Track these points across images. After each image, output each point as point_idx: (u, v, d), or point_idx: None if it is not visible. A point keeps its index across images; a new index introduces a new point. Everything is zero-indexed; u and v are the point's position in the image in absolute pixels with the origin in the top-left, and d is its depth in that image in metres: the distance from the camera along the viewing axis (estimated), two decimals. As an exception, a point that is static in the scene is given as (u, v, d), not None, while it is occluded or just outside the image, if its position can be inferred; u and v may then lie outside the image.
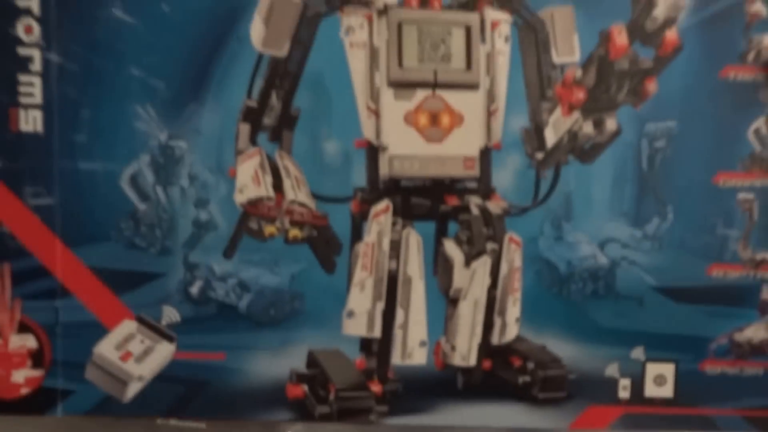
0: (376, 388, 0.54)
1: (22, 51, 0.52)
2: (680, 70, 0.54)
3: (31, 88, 0.52)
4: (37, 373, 0.54)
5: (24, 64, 0.52)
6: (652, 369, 0.56)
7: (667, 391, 0.56)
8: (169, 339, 0.54)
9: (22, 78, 0.52)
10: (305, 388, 0.55)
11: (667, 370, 0.56)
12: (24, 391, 0.54)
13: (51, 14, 0.52)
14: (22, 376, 0.54)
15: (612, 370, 0.56)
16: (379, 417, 0.54)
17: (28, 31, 0.52)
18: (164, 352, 0.54)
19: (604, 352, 0.56)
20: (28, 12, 0.52)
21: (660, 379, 0.56)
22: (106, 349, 0.54)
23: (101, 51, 0.52)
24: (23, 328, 0.54)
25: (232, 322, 0.55)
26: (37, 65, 0.52)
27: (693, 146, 0.55)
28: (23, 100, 0.52)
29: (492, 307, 0.54)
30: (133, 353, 0.54)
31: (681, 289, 0.56)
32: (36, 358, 0.54)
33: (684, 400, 0.56)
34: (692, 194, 0.55)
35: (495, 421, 0.56)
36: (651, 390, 0.56)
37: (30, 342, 0.54)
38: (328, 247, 0.54)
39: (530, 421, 0.56)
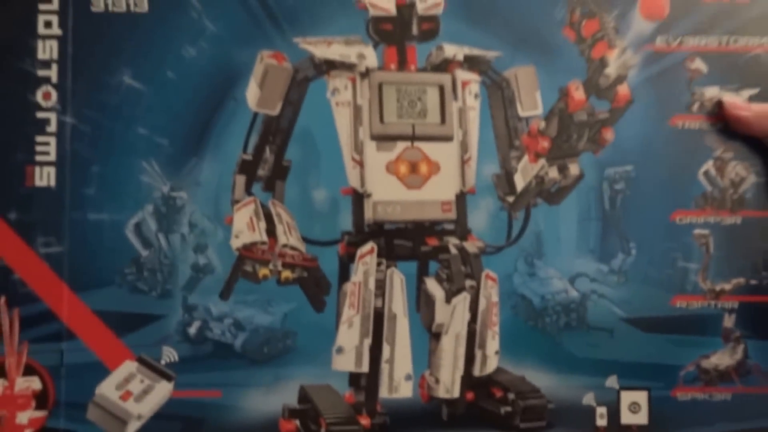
0: (365, 421, 0.57)
1: (40, 115, 0.57)
2: (634, 120, 0.59)
3: (47, 147, 0.57)
4: (40, 414, 0.56)
5: (41, 126, 0.57)
6: (627, 397, 0.59)
7: (642, 418, 0.59)
8: (168, 378, 0.57)
9: (39, 138, 0.57)
10: (297, 423, 0.57)
11: (641, 397, 0.59)
12: (27, 432, 0.56)
13: (67, 82, 0.57)
14: (26, 418, 0.56)
15: (589, 398, 0.58)
16: (368, 449, 0.56)
17: (46, 97, 0.57)
18: (163, 391, 0.56)
19: (581, 382, 0.58)
20: (47, 80, 0.57)
21: (635, 407, 0.59)
22: (107, 389, 0.56)
23: (111, 113, 0.57)
24: (29, 371, 0.56)
25: (228, 361, 0.58)
26: (53, 127, 0.57)
27: (650, 187, 0.59)
28: (39, 158, 0.57)
29: (473, 341, 0.58)
30: (132, 392, 0.56)
31: (648, 319, 0.59)
32: (40, 399, 0.56)
33: (659, 426, 0.58)
34: (652, 231, 0.59)
35: (480, 452, 0.58)
36: (627, 417, 0.59)
37: (35, 384, 0.56)
38: (317, 288, 0.58)
39: (514, 451, 0.58)
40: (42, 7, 0.57)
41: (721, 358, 0.59)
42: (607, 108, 0.59)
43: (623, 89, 0.58)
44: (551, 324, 0.59)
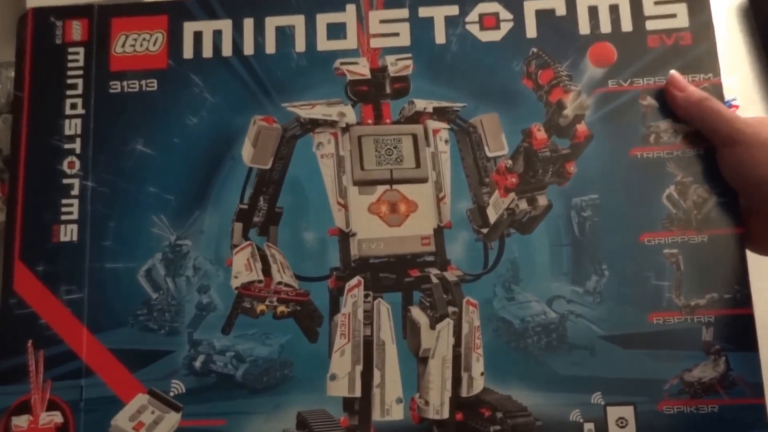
0: (359, 446, 0.59)
1: (66, 181, 0.66)
2: (596, 153, 0.64)
3: (71, 208, 0.65)
4: (59, 448, 0.61)
5: (67, 190, 0.66)
6: (613, 412, 0.60)
7: (630, 433, 0.59)
8: (176, 409, 0.61)
9: (64, 201, 0.66)
10: (295, 450, 0.60)
11: (627, 412, 0.60)
12: (47, 466, 0.60)
13: (89, 152, 0.66)
14: (47, 452, 0.60)
15: (575, 415, 0.60)
16: (363, 473, 0.58)
17: (71, 166, 0.66)
18: (172, 421, 0.61)
19: (566, 399, 0.59)
20: (72, 152, 0.66)
21: (622, 421, 0.60)
22: (121, 420, 0.60)
23: (126, 176, 0.65)
24: (52, 406, 0.61)
25: (230, 391, 0.61)
26: (76, 191, 0.66)
27: (617, 213, 0.62)
28: (63, 217, 0.65)
29: (458, 364, 0.61)
30: (144, 423, 0.60)
31: (627, 336, 0.60)
32: (61, 433, 0.61)
33: (648, 442, 0.59)
34: (623, 252, 0.62)
35: (473, 473, 0.60)
36: (615, 433, 0.60)
37: (57, 418, 0.61)
38: (311, 320, 0.63)
39: (506, 471, 0.59)
40: (69, 92, 0.67)
41: (704, 371, 0.60)
42: (568, 145, 0.64)
43: (582, 127, 0.64)
44: (533, 345, 0.61)
